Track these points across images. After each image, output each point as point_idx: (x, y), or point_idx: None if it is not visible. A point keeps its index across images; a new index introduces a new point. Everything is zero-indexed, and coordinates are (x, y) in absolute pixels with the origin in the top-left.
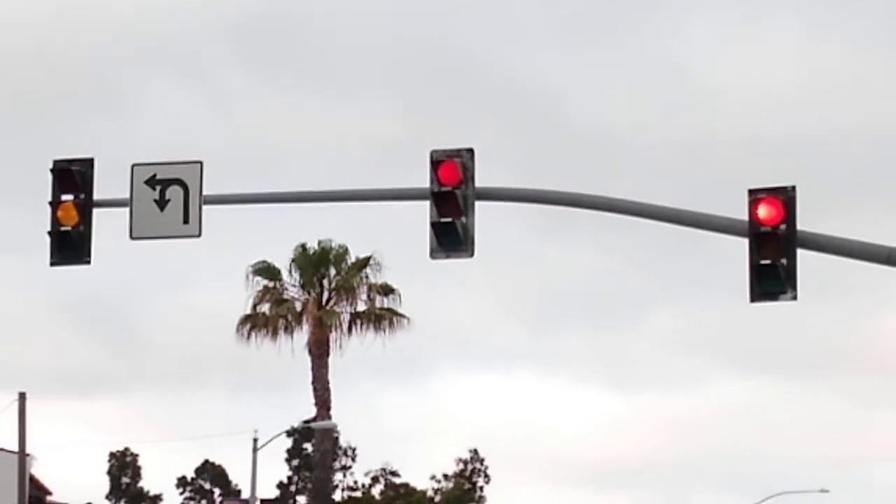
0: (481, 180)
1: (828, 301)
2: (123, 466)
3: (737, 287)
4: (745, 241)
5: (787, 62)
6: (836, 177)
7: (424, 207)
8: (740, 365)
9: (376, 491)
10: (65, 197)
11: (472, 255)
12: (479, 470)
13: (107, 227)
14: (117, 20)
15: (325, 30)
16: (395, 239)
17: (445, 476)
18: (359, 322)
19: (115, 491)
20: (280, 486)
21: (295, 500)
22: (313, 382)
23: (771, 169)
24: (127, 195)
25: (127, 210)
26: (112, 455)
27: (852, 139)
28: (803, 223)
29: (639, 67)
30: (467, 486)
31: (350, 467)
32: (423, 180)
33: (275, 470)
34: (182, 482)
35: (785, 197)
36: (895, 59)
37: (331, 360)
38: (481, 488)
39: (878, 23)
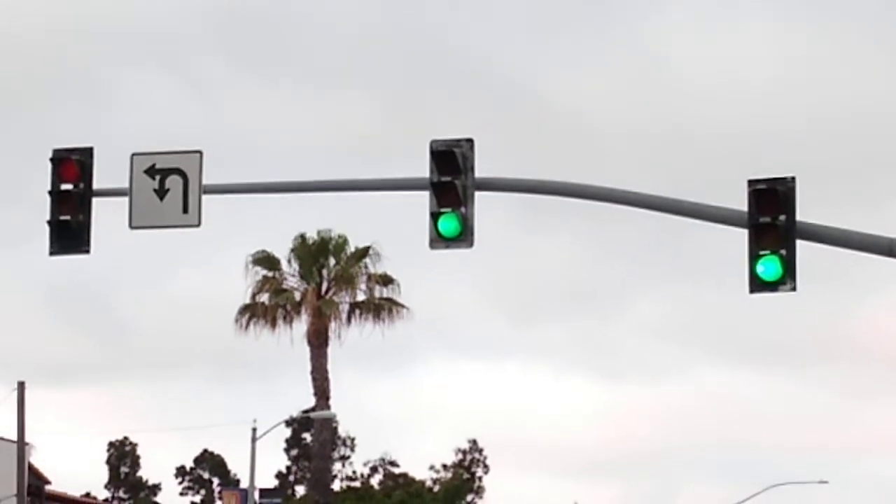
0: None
1: (814, 290)
2: (122, 456)
3: (720, 276)
4: (731, 231)
5: (765, 50)
6: (817, 166)
7: (424, 197)
8: (726, 354)
9: (375, 481)
10: (64, 186)
11: (471, 245)
12: (478, 460)
13: (103, 216)
14: (97, 10)
15: (306, 20)
16: (393, 229)
17: (444, 466)
18: (358, 312)
19: (114, 480)
20: (279, 475)
21: (294, 490)
22: (312, 372)
23: (751, 158)
24: (115, 184)
25: (126, 199)
26: (111, 444)
27: (832, 128)
28: None
29: (615, 57)
30: (466, 476)
31: (349, 457)
32: (404, 169)
33: (274, 460)
34: (181, 472)
35: (784, 188)
36: (872, 48)
37: (330, 349)
38: (480, 478)
39: (855, 10)
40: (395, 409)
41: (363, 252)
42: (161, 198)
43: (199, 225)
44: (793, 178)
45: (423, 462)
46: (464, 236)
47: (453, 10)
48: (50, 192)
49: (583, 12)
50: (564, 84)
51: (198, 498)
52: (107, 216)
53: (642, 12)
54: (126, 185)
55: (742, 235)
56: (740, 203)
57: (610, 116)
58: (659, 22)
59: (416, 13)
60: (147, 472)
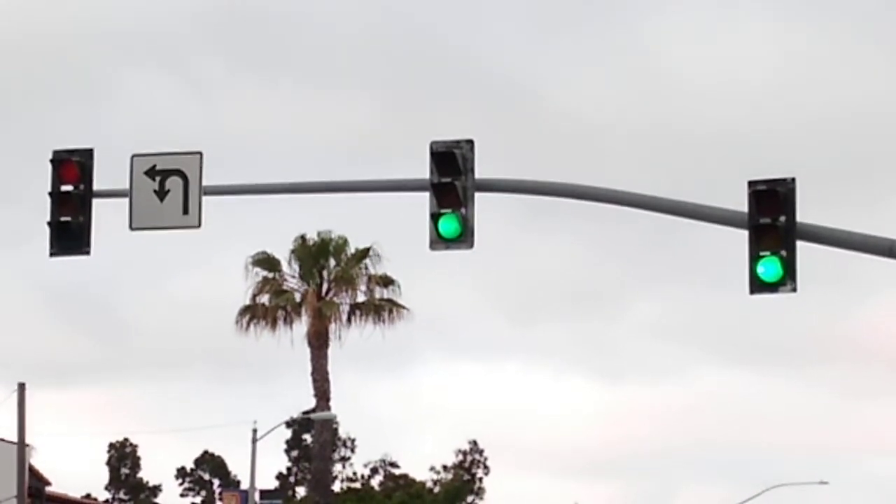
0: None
1: (814, 291)
2: (123, 457)
3: (720, 277)
4: (730, 231)
5: (765, 51)
6: (817, 167)
7: (424, 198)
8: (726, 354)
9: (375, 482)
10: (64, 188)
11: (471, 246)
12: (479, 461)
13: (103, 217)
14: (97, 11)
15: (306, 20)
16: (394, 230)
17: (445, 467)
18: (358, 313)
19: (115, 481)
20: (279, 477)
21: (294, 492)
22: (312, 373)
23: (751, 158)
24: (115, 185)
25: (126, 201)
26: (111, 445)
27: (832, 128)
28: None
29: (615, 57)
30: (466, 477)
31: (349, 458)
32: (404, 170)
33: (274, 461)
34: (181, 473)
35: (784, 189)
36: (873, 48)
37: (330, 350)
38: (480, 479)
39: (854, 10)
40: (395, 410)
41: (363, 253)
42: (161, 199)
43: (199, 226)
44: (793, 180)
45: (423, 463)
46: (464, 237)
47: (453, 10)
48: (50, 194)
49: (582, 13)
50: (564, 84)
51: (198, 499)
52: (107, 217)
53: (642, 13)
54: (126, 186)
55: (742, 236)
56: (740, 203)
57: (610, 117)
58: (658, 22)
59: (415, 14)
60: (147, 474)
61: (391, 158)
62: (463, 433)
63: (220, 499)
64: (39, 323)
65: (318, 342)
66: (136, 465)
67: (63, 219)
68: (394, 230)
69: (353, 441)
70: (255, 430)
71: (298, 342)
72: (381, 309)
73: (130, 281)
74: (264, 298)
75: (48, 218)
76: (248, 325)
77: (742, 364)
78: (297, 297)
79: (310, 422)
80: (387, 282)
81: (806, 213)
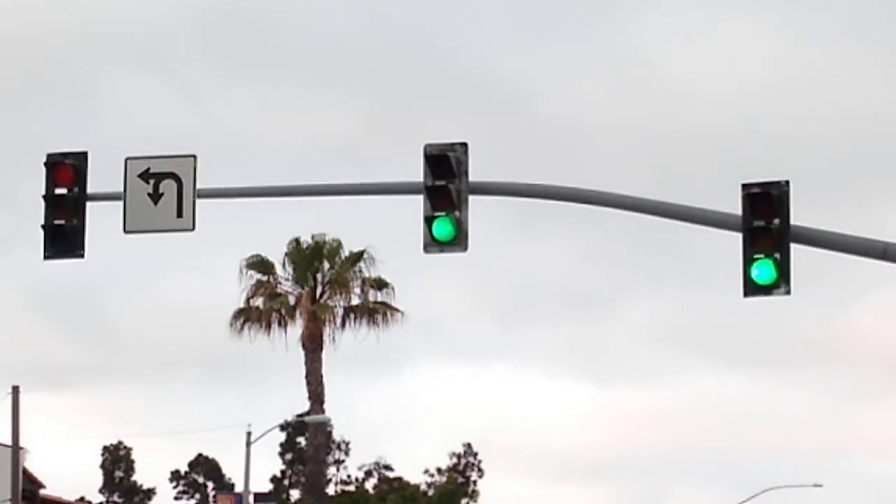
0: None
1: (806, 293)
2: (117, 460)
3: (712, 279)
4: (722, 233)
5: (758, 53)
6: (808, 169)
7: (418, 201)
8: (718, 357)
9: (370, 485)
10: (58, 191)
11: (465, 249)
12: (473, 464)
13: (97, 220)
14: (90, 14)
15: (299, 24)
16: (388, 233)
17: (439, 470)
18: (352, 316)
19: (109, 484)
20: (273, 479)
21: (288, 494)
22: (307, 376)
23: (744, 161)
24: (109, 188)
25: (120, 204)
26: (105, 448)
27: (819, 131)
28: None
29: (607, 60)
30: (460, 480)
31: (343, 461)
32: (398, 173)
33: (268, 464)
34: (175, 476)
35: (778, 191)
36: (866, 49)
37: (324, 354)
38: (475, 482)
39: (849, 12)
40: (389, 413)
41: (357, 256)
42: (155, 202)
43: (193, 229)
44: (787, 182)
45: (417, 466)
46: (458, 240)
47: (445, 13)
48: (44, 197)
49: (574, 15)
50: (556, 87)
51: (192, 502)
52: (101, 220)
53: (634, 15)
54: (120, 189)
55: (734, 238)
56: (734, 205)
57: (603, 119)
58: (651, 24)
59: (408, 17)
60: (141, 477)
61: (385, 160)
62: (457, 436)
63: (215, 502)
64: (33, 326)
65: (313, 345)
66: (130, 468)
67: (57, 222)
68: (388, 233)
69: (347, 444)
70: (249, 433)
71: (292, 345)
72: (375, 312)
73: (125, 284)
74: (258, 301)
75: (42, 221)
76: (242, 327)
77: (735, 366)
78: (292, 300)
79: (304, 425)
80: (381, 285)
81: (800, 215)
